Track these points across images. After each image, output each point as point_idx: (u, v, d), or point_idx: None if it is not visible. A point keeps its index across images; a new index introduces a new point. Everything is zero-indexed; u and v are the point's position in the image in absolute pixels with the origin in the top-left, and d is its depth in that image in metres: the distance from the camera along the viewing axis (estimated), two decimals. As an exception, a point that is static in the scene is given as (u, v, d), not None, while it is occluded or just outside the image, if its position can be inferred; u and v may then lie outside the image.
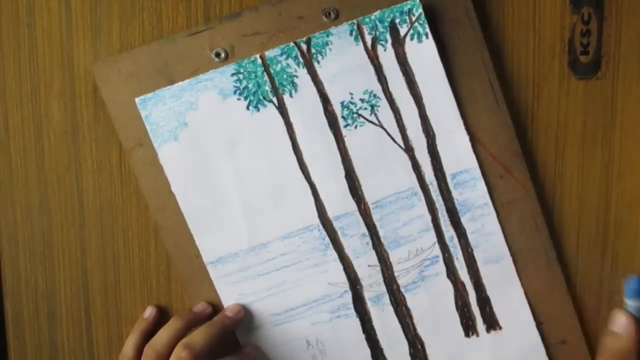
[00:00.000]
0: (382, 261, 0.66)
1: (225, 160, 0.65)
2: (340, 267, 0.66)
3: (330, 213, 0.65)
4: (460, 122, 0.64)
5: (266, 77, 0.64)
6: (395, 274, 0.66)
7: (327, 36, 0.63)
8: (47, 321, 0.70)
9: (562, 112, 0.66)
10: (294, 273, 0.66)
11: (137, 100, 0.64)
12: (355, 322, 0.67)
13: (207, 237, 0.65)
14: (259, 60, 0.63)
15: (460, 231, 0.65)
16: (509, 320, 0.66)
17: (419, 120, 0.64)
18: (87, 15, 0.65)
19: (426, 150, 0.65)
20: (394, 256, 0.66)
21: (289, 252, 0.66)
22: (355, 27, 0.63)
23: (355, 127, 0.64)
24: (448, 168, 0.65)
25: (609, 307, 0.67)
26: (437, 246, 0.65)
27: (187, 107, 0.64)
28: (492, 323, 0.66)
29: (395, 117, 0.64)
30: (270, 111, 0.64)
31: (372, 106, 0.64)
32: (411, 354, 0.67)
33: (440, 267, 0.66)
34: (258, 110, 0.64)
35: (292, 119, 0.64)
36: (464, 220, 0.65)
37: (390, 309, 0.66)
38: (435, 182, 0.65)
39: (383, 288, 0.66)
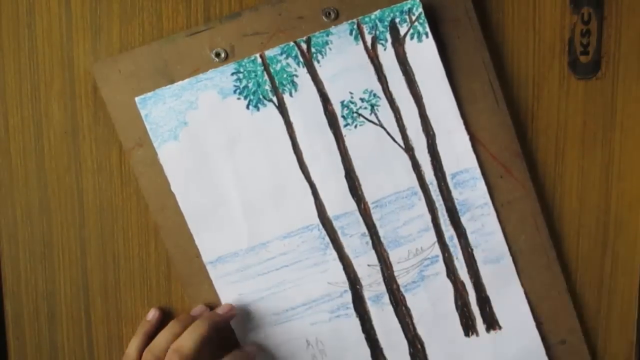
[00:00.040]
0: (382, 261, 0.66)
1: (225, 159, 0.65)
2: (340, 266, 0.66)
3: (330, 213, 0.65)
4: (460, 122, 0.64)
5: (266, 77, 0.64)
6: (395, 273, 0.66)
7: (327, 35, 0.63)
8: (47, 321, 0.70)
9: (562, 112, 0.66)
10: (293, 273, 0.66)
11: (137, 99, 0.64)
12: (355, 322, 0.66)
13: (207, 236, 0.65)
14: (259, 60, 0.63)
15: (460, 231, 0.65)
16: (508, 320, 0.66)
17: (419, 120, 0.64)
18: (87, 15, 0.66)
19: (426, 150, 0.65)
20: (393, 256, 0.66)
21: (289, 252, 0.65)
22: (355, 26, 0.63)
23: (355, 126, 0.64)
24: (448, 168, 0.65)
25: (609, 307, 0.67)
26: (437, 246, 0.65)
27: (187, 107, 0.64)
28: (492, 323, 0.66)
29: (395, 116, 0.64)
30: (270, 110, 0.64)
31: (372, 106, 0.64)
32: (411, 354, 0.67)
33: (440, 266, 0.66)
34: (258, 109, 0.64)
35: (292, 119, 0.64)
36: (464, 220, 0.65)
37: (390, 308, 0.66)
38: (435, 182, 0.65)
39: (383, 288, 0.66)
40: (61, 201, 0.68)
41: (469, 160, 0.64)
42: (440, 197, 0.65)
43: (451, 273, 0.66)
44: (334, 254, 0.66)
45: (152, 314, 0.67)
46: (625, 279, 0.68)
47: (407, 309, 0.66)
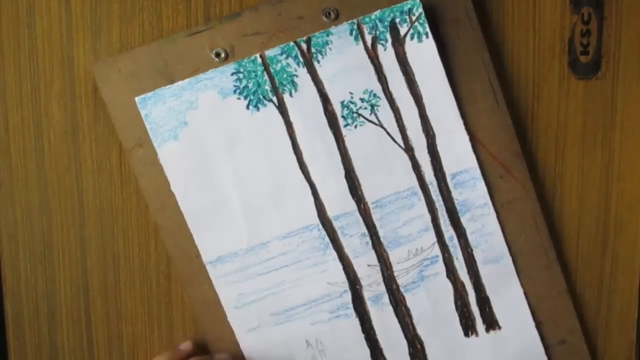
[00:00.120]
0: (382, 261, 0.66)
1: (225, 159, 0.65)
2: (340, 266, 0.66)
3: (330, 213, 0.65)
4: (460, 122, 0.64)
5: (266, 77, 0.64)
6: (395, 273, 0.66)
7: (327, 35, 0.63)
8: (47, 321, 0.70)
9: (562, 112, 0.66)
10: (293, 273, 0.66)
11: (137, 99, 0.64)
12: (355, 322, 0.66)
13: (207, 236, 0.65)
14: (259, 60, 0.63)
15: (460, 231, 0.65)
16: (508, 320, 0.66)
17: (419, 120, 0.64)
18: (87, 15, 0.66)
19: (426, 150, 0.64)
20: (393, 256, 0.66)
21: (289, 252, 0.65)
22: (355, 26, 0.63)
23: (355, 126, 0.64)
24: (448, 168, 0.65)
25: (609, 307, 0.67)
26: (436, 246, 0.65)
27: (187, 107, 0.64)
28: (491, 323, 0.66)
29: (395, 116, 0.64)
30: (270, 110, 0.64)
31: (372, 106, 0.64)
32: (410, 354, 0.67)
33: (440, 267, 0.66)
34: (258, 109, 0.64)
35: (292, 119, 0.64)
36: (464, 220, 0.65)
37: (390, 308, 0.66)
38: (435, 182, 0.65)
39: (382, 288, 0.66)
40: (61, 201, 0.68)
41: (469, 160, 0.64)
42: (440, 198, 0.65)
43: (451, 273, 0.66)
44: (334, 254, 0.66)
45: (185, 346, 0.68)
46: (625, 279, 0.68)
47: (407, 309, 0.66)
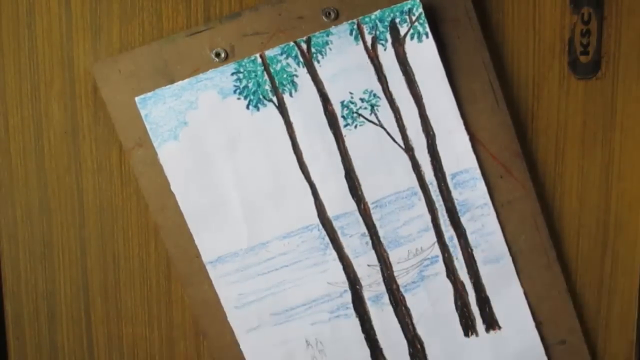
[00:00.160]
0: (382, 261, 0.66)
1: (225, 159, 0.65)
2: (340, 266, 0.66)
3: (330, 213, 0.65)
4: (460, 122, 0.64)
5: (266, 77, 0.64)
6: (395, 273, 0.66)
7: (327, 35, 0.63)
8: (47, 321, 0.70)
9: (562, 112, 0.66)
10: (293, 273, 0.66)
11: (137, 99, 0.64)
12: (355, 322, 0.66)
13: (207, 236, 0.65)
14: (259, 60, 0.63)
15: (460, 231, 0.65)
16: (508, 320, 0.66)
17: (419, 120, 0.64)
18: (87, 15, 0.66)
19: (426, 150, 0.64)
20: (393, 256, 0.66)
21: (289, 252, 0.65)
22: (355, 26, 0.63)
23: (355, 126, 0.64)
24: (448, 168, 0.65)
25: (609, 307, 0.67)
26: (436, 246, 0.65)
27: (187, 106, 0.64)
28: (491, 323, 0.66)
29: (395, 117, 0.64)
30: (270, 110, 0.64)
31: (372, 106, 0.64)
32: (410, 354, 0.67)
33: (440, 267, 0.66)
34: (258, 109, 0.64)
35: (292, 119, 0.64)
36: (464, 220, 0.65)
37: (390, 308, 0.66)
38: (435, 182, 0.65)
39: (382, 288, 0.66)
40: (61, 201, 0.68)
41: (469, 160, 0.64)
42: (440, 198, 0.65)
43: (451, 273, 0.66)
44: (334, 254, 0.66)
45: None
46: (625, 279, 0.68)
47: (407, 309, 0.66)
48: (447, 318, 0.66)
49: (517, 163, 0.65)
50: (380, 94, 0.64)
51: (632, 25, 0.64)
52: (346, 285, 0.66)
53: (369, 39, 0.63)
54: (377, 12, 0.63)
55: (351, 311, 0.66)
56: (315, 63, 0.63)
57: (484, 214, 0.65)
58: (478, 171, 0.64)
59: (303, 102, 0.64)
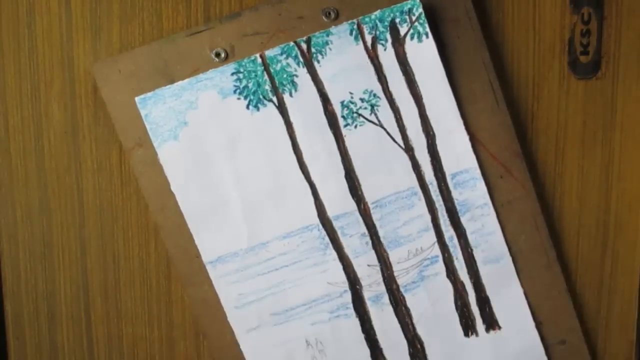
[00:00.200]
0: (382, 261, 0.66)
1: (225, 159, 0.65)
2: (340, 266, 0.66)
3: (330, 213, 0.65)
4: (460, 122, 0.64)
5: (266, 77, 0.64)
6: (395, 273, 0.66)
7: (327, 35, 0.63)
8: (47, 321, 0.70)
9: (562, 112, 0.66)
10: (293, 273, 0.66)
11: (137, 99, 0.64)
12: (355, 322, 0.66)
13: (207, 236, 0.65)
14: (259, 60, 0.63)
15: (460, 231, 0.65)
16: (508, 320, 0.66)
17: (419, 120, 0.64)
18: (87, 15, 0.66)
19: (426, 150, 0.64)
20: (393, 256, 0.66)
21: (289, 252, 0.65)
22: (355, 26, 0.63)
23: (355, 126, 0.64)
24: (448, 168, 0.65)
25: (609, 307, 0.67)
26: (436, 246, 0.65)
27: (187, 106, 0.64)
28: (491, 323, 0.66)
29: (395, 116, 0.64)
30: (270, 110, 0.64)
31: (372, 106, 0.64)
32: (410, 354, 0.67)
33: (440, 267, 0.66)
34: (258, 109, 0.64)
35: (292, 119, 0.64)
36: (464, 220, 0.65)
37: (390, 308, 0.66)
38: (435, 182, 0.65)
39: (382, 288, 0.66)
40: (61, 201, 0.68)
41: (469, 160, 0.64)
42: (440, 198, 0.65)
43: (451, 273, 0.66)
44: (334, 254, 0.66)
45: None
46: (625, 279, 0.68)
47: (407, 309, 0.66)
48: (447, 318, 0.66)
49: (517, 163, 0.65)
50: (380, 94, 0.64)
51: (632, 25, 0.64)
52: (346, 285, 0.66)
53: (369, 39, 0.63)
54: (377, 12, 0.63)
55: (351, 311, 0.66)
56: (315, 63, 0.63)
57: (484, 214, 0.65)
58: (478, 171, 0.64)
59: (303, 102, 0.64)
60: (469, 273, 0.66)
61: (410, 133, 0.64)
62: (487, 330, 0.66)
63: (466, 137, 0.64)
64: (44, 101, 0.67)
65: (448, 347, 0.67)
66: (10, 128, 0.67)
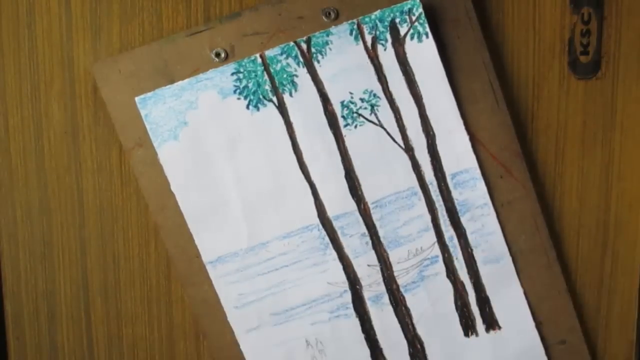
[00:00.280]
0: (382, 261, 0.66)
1: (225, 159, 0.65)
2: (340, 266, 0.66)
3: (330, 213, 0.65)
4: (460, 122, 0.64)
5: (266, 77, 0.64)
6: (395, 273, 0.66)
7: (327, 35, 0.63)
8: (47, 321, 0.70)
9: (562, 112, 0.66)
10: (293, 273, 0.66)
11: (137, 99, 0.64)
12: (355, 322, 0.66)
13: (207, 236, 0.65)
14: (259, 60, 0.63)
15: (460, 231, 0.65)
16: (508, 320, 0.66)
17: (419, 120, 0.64)
18: (87, 15, 0.66)
19: (426, 150, 0.64)
20: (393, 256, 0.66)
21: (289, 252, 0.65)
22: (355, 26, 0.63)
23: (355, 126, 0.64)
24: (448, 168, 0.65)
25: (609, 307, 0.67)
26: (436, 246, 0.65)
27: (187, 106, 0.64)
28: (491, 323, 0.66)
29: (395, 116, 0.64)
30: (270, 110, 0.64)
31: (372, 106, 0.64)
32: (410, 354, 0.67)
33: (440, 267, 0.66)
34: (258, 109, 0.64)
35: (292, 119, 0.64)
36: (464, 220, 0.65)
37: (390, 308, 0.66)
38: (435, 182, 0.65)
39: (382, 288, 0.66)
40: (61, 201, 0.68)
41: (469, 160, 0.64)
42: (440, 198, 0.65)
43: (451, 273, 0.66)
44: (334, 254, 0.66)
45: None
46: (625, 279, 0.68)
47: (407, 309, 0.66)
48: (447, 318, 0.66)
49: (517, 163, 0.65)
50: (380, 94, 0.64)
51: (632, 25, 0.64)
52: (346, 285, 0.66)
53: (369, 39, 0.63)
54: (377, 12, 0.63)
55: (351, 311, 0.66)
56: (315, 63, 0.63)
57: (484, 214, 0.65)
58: (478, 171, 0.64)
59: (303, 102, 0.64)
60: (469, 273, 0.66)
61: (410, 133, 0.64)
62: (487, 330, 0.66)
63: (466, 137, 0.64)
64: (44, 101, 0.66)
65: (448, 347, 0.67)
66: (10, 128, 0.67)
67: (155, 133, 0.64)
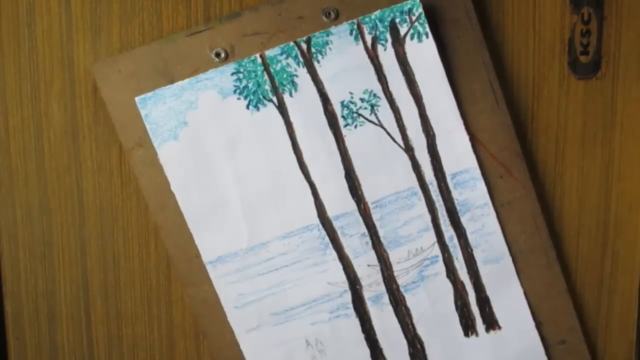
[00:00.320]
0: (382, 261, 0.66)
1: (225, 159, 0.65)
2: (340, 266, 0.66)
3: (330, 213, 0.65)
4: (460, 122, 0.64)
5: (266, 77, 0.64)
6: (395, 273, 0.66)
7: (327, 35, 0.63)
8: (47, 321, 0.70)
9: (562, 112, 0.66)
10: (293, 273, 0.66)
11: (137, 99, 0.64)
12: (355, 322, 0.66)
13: (207, 236, 0.65)
14: (259, 60, 0.63)
15: (460, 231, 0.65)
16: (508, 320, 0.66)
17: (419, 120, 0.64)
18: (87, 15, 0.66)
19: (426, 150, 0.64)
20: (393, 256, 0.66)
21: (289, 252, 0.65)
22: (355, 26, 0.63)
23: (355, 126, 0.64)
24: (448, 168, 0.65)
25: (609, 307, 0.67)
26: (436, 246, 0.65)
27: (187, 106, 0.64)
28: (491, 323, 0.66)
29: (395, 116, 0.64)
30: (270, 110, 0.64)
31: (372, 106, 0.64)
32: (410, 354, 0.67)
33: (440, 267, 0.66)
34: (258, 109, 0.64)
35: (292, 119, 0.64)
36: (464, 220, 0.65)
37: (390, 308, 0.66)
38: (435, 182, 0.65)
39: (382, 288, 0.66)
40: (61, 201, 0.68)
41: (469, 160, 0.64)
42: (440, 198, 0.65)
43: (451, 273, 0.66)
44: (334, 254, 0.66)
45: None
46: (625, 279, 0.68)
47: (407, 309, 0.66)
48: (447, 318, 0.66)
49: (517, 163, 0.65)
50: (380, 94, 0.64)
51: (632, 25, 0.64)
52: (346, 285, 0.66)
53: (369, 39, 0.63)
54: (377, 12, 0.63)
55: (351, 311, 0.66)
56: (315, 63, 0.63)
57: (484, 214, 0.65)
58: (478, 171, 0.64)
59: (303, 102, 0.64)
60: (469, 273, 0.66)
61: (410, 133, 0.64)
62: (487, 330, 0.66)
63: (466, 137, 0.64)
64: (44, 101, 0.66)
65: (448, 347, 0.67)
66: (10, 128, 0.67)
67: (155, 133, 0.64)
